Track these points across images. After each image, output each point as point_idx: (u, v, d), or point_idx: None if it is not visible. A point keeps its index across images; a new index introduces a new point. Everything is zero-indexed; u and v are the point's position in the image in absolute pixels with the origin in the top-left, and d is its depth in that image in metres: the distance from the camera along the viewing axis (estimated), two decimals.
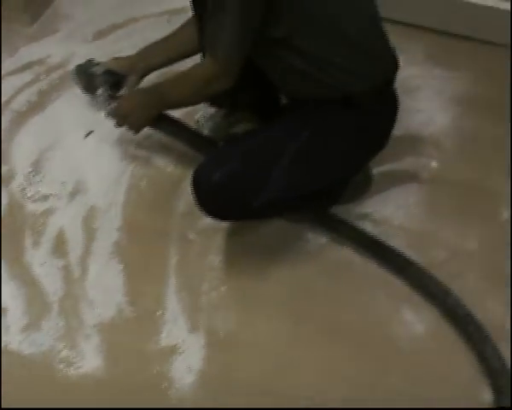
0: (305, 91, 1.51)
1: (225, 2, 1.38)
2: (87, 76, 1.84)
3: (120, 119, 1.68)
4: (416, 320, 1.53)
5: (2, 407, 1.42)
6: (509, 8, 2.11)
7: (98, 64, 1.83)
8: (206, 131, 1.84)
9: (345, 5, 1.45)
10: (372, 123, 1.50)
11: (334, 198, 1.66)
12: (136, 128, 1.69)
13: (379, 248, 1.62)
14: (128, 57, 1.84)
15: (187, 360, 1.48)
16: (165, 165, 1.83)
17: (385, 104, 1.55)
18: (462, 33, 2.21)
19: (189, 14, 1.72)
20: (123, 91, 1.81)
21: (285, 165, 1.46)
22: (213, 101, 1.78)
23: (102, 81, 1.82)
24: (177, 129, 1.74)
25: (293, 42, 1.42)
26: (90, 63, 1.85)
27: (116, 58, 1.85)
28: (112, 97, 1.77)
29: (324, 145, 1.51)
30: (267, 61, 1.51)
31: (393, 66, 1.54)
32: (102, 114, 1.74)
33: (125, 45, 2.07)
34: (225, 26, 1.41)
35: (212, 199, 1.49)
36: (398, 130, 1.70)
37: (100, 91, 1.80)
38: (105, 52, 2.05)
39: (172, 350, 1.49)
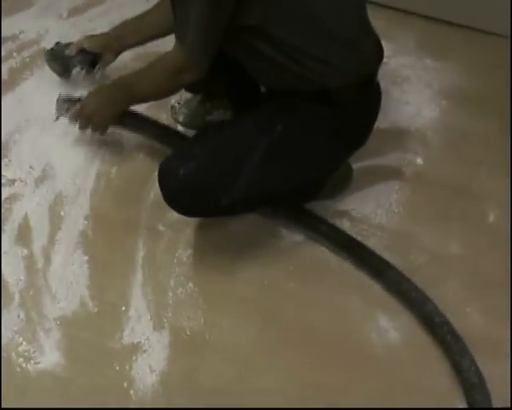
0: (280, 83, 1.43)
1: None
2: (61, 59, 1.78)
3: (83, 121, 1.59)
4: (390, 327, 1.47)
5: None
6: None
7: (69, 45, 1.76)
8: (180, 118, 1.77)
9: None
10: (351, 119, 1.42)
11: (311, 194, 1.58)
12: (102, 129, 1.61)
13: (356, 248, 1.55)
14: (102, 35, 1.77)
15: (149, 359, 1.42)
16: (137, 151, 1.75)
17: (365, 99, 1.46)
18: (457, 21, 2.12)
19: None
20: (97, 70, 1.76)
21: (256, 160, 1.39)
22: (189, 86, 1.69)
23: (77, 62, 1.76)
24: (145, 124, 1.65)
25: (265, 30, 1.33)
26: (61, 46, 1.78)
27: (89, 36, 1.78)
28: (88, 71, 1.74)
29: (299, 141, 1.43)
30: (240, 50, 1.42)
31: (376, 58, 1.45)
32: (67, 116, 1.65)
33: (101, 23, 1.99)
34: (192, 15, 1.32)
35: (178, 194, 1.41)
36: (383, 122, 1.63)
37: (75, 72, 1.75)
38: (80, 29, 1.98)
39: (135, 348, 1.43)
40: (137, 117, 1.65)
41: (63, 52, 1.77)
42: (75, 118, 1.62)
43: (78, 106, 1.61)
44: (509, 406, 1.37)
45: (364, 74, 1.43)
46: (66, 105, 1.66)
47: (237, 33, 1.36)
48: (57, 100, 1.68)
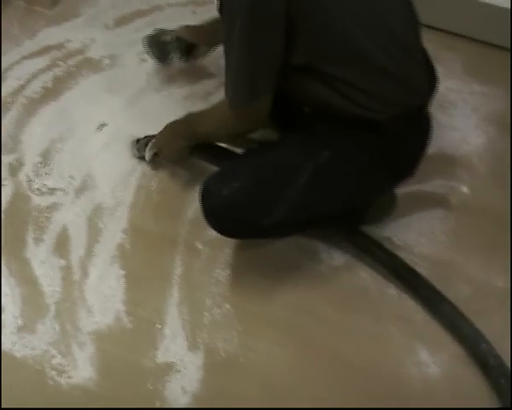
0: (326, 112, 1.39)
1: (234, 31, 1.27)
2: (159, 44, 1.85)
3: (158, 153, 1.66)
4: (431, 362, 1.42)
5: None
6: None
7: (167, 32, 1.83)
8: None
9: (370, 28, 1.30)
10: (399, 149, 1.38)
11: (356, 219, 1.55)
12: (172, 160, 1.66)
13: (412, 276, 1.50)
14: (199, 26, 1.82)
15: (182, 380, 1.40)
16: (176, 167, 1.72)
17: (415, 129, 1.42)
18: (506, 45, 2.07)
19: (214, 5, 1.64)
20: (194, 61, 1.87)
21: (300, 184, 1.35)
22: None
23: (174, 47, 1.84)
24: (211, 155, 1.64)
25: (313, 67, 1.30)
26: (160, 32, 1.85)
27: (186, 26, 1.84)
28: (184, 59, 1.84)
29: (345, 167, 1.39)
30: (287, 85, 1.38)
31: (428, 90, 1.41)
32: (144, 157, 1.71)
33: (147, 33, 1.96)
34: (232, 68, 1.32)
35: (219, 214, 1.39)
36: (428, 148, 1.59)
37: (172, 57, 1.83)
38: (125, 40, 1.98)
39: (169, 368, 1.41)
40: (204, 148, 1.63)
41: (160, 38, 1.84)
42: (151, 152, 1.67)
43: (152, 141, 1.67)
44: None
45: (413, 105, 1.39)
46: (137, 145, 1.73)
47: (285, 72, 1.34)
48: (131, 143, 1.75)
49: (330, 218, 1.48)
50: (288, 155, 1.40)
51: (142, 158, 1.75)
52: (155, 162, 1.74)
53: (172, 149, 1.63)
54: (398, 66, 1.35)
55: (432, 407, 1.40)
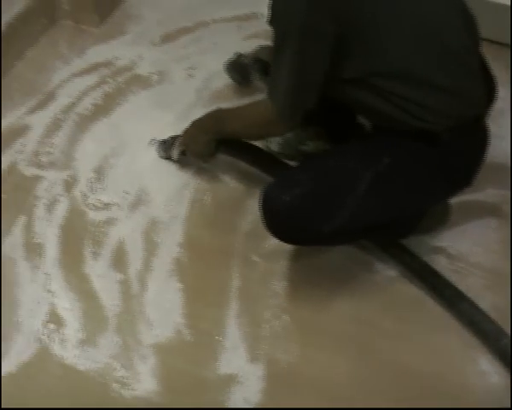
0: (384, 123, 1.42)
1: (285, 47, 1.33)
2: (239, 68, 1.91)
3: (185, 150, 1.70)
4: (493, 371, 1.42)
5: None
6: None
7: (245, 55, 1.89)
8: (273, 146, 1.77)
9: (425, 44, 1.33)
10: (456, 160, 1.40)
11: (409, 228, 1.56)
12: (199, 155, 1.68)
13: (449, 291, 1.49)
14: None
15: (244, 391, 1.41)
16: (229, 180, 1.77)
17: (472, 141, 1.43)
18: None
19: (260, 21, 1.68)
20: None
21: (361, 192, 1.37)
22: None
23: (254, 69, 1.90)
24: (239, 151, 1.69)
25: (366, 81, 1.34)
26: (239, 56, 1.91)
27: (262, 47, 1.89)
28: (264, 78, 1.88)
29: (404, 176, 1.41)
30: (341, 97, 1.43)
31: (484, 101, 1.43)
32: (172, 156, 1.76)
33: (194, 50, 2.04)
34: (282, 73, 1.36)
35: (280, 220, 1.41)
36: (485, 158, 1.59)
37: (252, 78, 1.89)
38: (172, 57, 2.02)
39: (230, 379, 1.43)
40: (232, 144, 1.68)
41: (240, 62, 1.90)
42: (178, 150, 1.71)
43: (179, 138, 1.70)
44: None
45: (470, 117, 1.40)
46: (164, 146, 1.77)
47: (338, 85, 1.38)
48: (157, 144, 1.79)
49: (386, 226, 1.49)
50: (348, 162, 1.42)
51: (168, 158, 1.78)
52: (183, 162, 1.76)
53: (199, 144, 1.66)
54: (454, 80, 1.37)
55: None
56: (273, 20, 1.37)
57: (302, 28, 1.31)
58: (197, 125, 1.68)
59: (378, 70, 1.34)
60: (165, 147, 1.79)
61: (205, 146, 1.66)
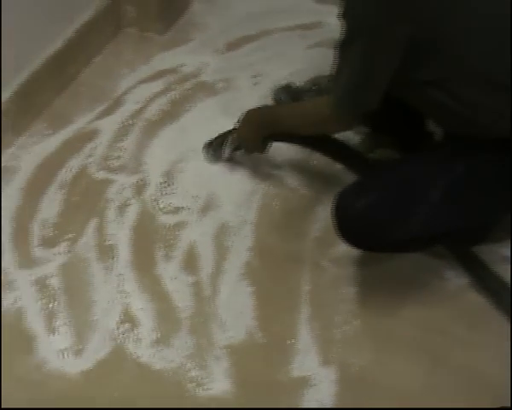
0: (457, 130, 1.42)
1: (353, 44, 1.33)
2: (293, 94, 1.90)
3: (240, 143, 1.73)
4: None
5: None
6: None
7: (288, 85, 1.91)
8: None
9: (502, 46, 1.31)
10: None
11: (482, 237, 1.57)
12: (254, 149, 1.71)
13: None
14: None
15: (318, 394, 1.43)
16: (298, 186, 1.79)
17: None
18: None
19: (323, 29, 1.70)
20: None
21: (434, 199, 1.39)
22: None
23: (308, 96, 1.89)
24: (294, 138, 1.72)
25: (440, 84, 1.34)
26: (289, 83, 1.92)
27: (319, 77, 1.90)
28: None
29: (478, 183, 1.42)
30: (414, 100, 1.44)
31: None
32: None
33: (258, 58, 2.07)
34: (344, 71, 1.37)
35: (354, 226, 1.44)
36: None
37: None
38: (237, 64, 2.06)
39: (303, 382, 1.45)
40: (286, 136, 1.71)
41: (291, 87, 1.91)
42: (232, 146, 1.74)
43: (233, 135, 1.73)
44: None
45: None
46: (212, 147, 1.80)
47: (412, 86, 1.39)
48: (204, 148, 1.82)
49: (458, 235, 1.51)
50: (422, 170, 1.44)
51: (217, 159, 1.81)
52: (233, 161, 1.80)
53: (255, 139, 1.69)
54: None
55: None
56: (345, 15, 1.36)
57: (374, 28, 1.31)
58: (253, 120, 1.70)
59: (455, 73, 1.34)
60: (214, 148, 1.81)
61: (260, 140, 1.70)
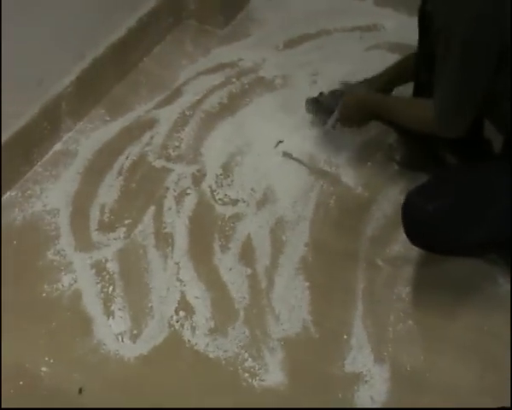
0: None
1: (452, 57, 1.36)
2: (324, 109, 1.88)
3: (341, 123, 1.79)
4: None
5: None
6: None
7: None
8: (398, 157, 1.82)
9: None
10: None
11: None
12: (352, 126, 1.77)
13: None
14: (359, 84, 1.87)
15: (371, 390, 1.46)
16: (354, 185, 1.82)
17: None
18: None
19: (381, 32, 1.71)
20: None
21: (503, 205, 1.41)
22: None
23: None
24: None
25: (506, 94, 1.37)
26: (324, 96, 1.89)
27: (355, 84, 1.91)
28: None
29: None
30: (489, 109, 1.46)
31: None
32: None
33: (316, 57, 2.09)
34: (444, 79, 1.40)
35: (424, 229, 1.46)
36: None
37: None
38: (295, 62, 2.08)
39: (357, 377, 1.48)
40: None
41: (318, 101, 1.89)
42: (334, 119, 1.79)
43: (336, 113, 1.78)
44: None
45: None
46: (314, 106, 1.84)
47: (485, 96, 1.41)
48: (306, 101, 1.86)
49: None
50: (489, 176, 1.46)
51: (315, 117, 1.87)
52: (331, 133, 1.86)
53: (358, 122, 1.76)
54: None
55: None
56: (444, 28, 1.39)
57: (467, 45, 1.34)
58: (361, 105, 1.74)
59: None
60: (318, 107, 1.86)
61: (361, 122, 1.76)
